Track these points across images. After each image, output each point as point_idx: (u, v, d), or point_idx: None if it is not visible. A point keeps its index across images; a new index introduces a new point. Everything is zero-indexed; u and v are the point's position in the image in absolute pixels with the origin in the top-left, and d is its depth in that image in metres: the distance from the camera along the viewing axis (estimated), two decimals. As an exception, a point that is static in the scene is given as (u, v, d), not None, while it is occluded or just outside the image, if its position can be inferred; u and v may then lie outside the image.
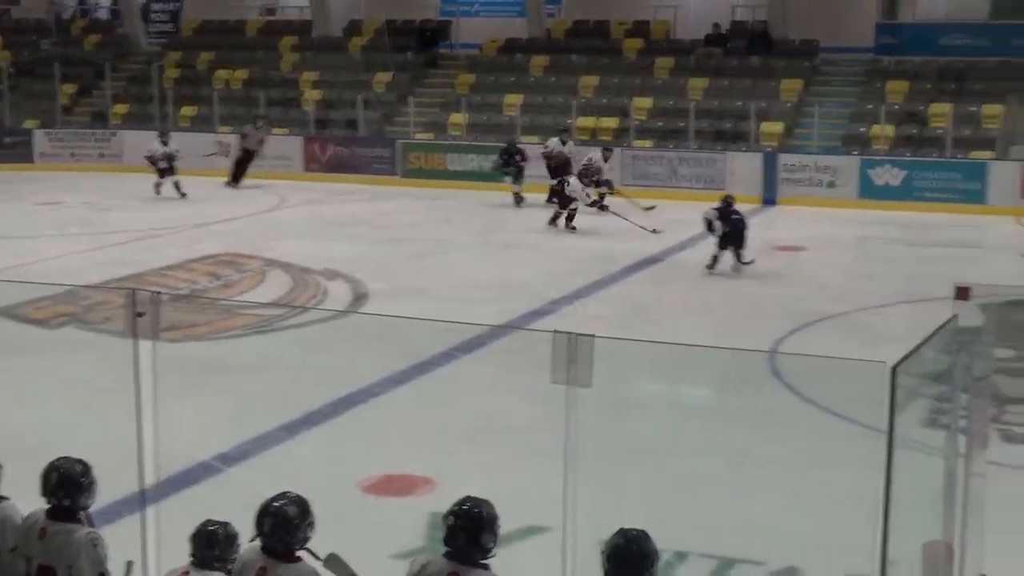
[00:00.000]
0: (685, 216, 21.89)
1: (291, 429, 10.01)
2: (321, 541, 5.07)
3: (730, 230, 17.03)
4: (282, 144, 27.52)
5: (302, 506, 5.02)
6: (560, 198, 20.88)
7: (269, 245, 18.83)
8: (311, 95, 30.07)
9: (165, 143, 24.64)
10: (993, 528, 5.76)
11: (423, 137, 27.56)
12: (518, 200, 23.94)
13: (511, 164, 24.21)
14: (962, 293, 5.86)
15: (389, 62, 30.99)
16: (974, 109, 25.14)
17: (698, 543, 7.56)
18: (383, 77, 30.41)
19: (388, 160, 27.21)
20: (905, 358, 4.40)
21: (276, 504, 4.99)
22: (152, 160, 24.50)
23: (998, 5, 29.11)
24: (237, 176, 26.24)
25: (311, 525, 5.02)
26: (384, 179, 26.66)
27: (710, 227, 17.22)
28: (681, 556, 7.37)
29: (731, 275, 17.04)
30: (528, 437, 9.45)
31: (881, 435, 4.46)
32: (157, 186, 24.24)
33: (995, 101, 25.00)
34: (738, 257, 17.06)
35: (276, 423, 10.04)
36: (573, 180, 20.93)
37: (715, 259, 17.09)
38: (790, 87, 27.24)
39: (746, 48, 28.87)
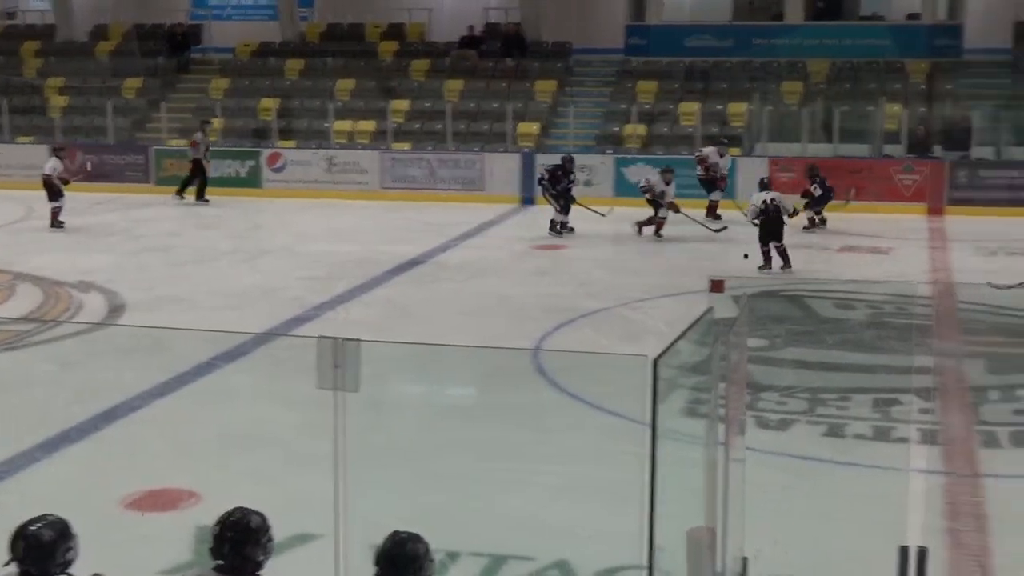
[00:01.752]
0: (446, 218, 22.05)
1: (48, 448, 9.63)
2: (84, 562, 4.88)
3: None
4: (27, 153, 26.44)
5: (60, 529, 4.81)
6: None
7: (18, 258, 18.10)
8: (56, 101, 29.05)
9: None
10: (752, 511, 5.97)
11: (177, 143, 26.92)
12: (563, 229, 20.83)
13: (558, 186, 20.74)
14: (717, 286, 6.05)
15: (139, 67, 30.18)
16: (720, 107, 26.05)
17: (469, 542, 7.59)
18: (133, 83, 29.59)
19: (142, 167, 26.49)
20: (665, 351, 4.51)
21: (31, 528, 4.78)
22: None
23: (740, 6, 30.25)
24: (201, 191, 24.88)
25: (71, 549, 4.82)
26: (138, 187, 25.94)
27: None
28: (453, 556, 7.39)
29: (494, 275, 17.21)
30: (295, 444, 9.34)
31: (644, 427, 4.56)
32: None
33: (740, 99, 25.95)
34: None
35: (31, 443, 9.65)
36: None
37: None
38: (544, 88, 27.68)
39: (501, 50, 29.21)
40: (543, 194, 21.06)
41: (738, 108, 25.70)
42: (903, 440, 10.21)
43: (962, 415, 10.75)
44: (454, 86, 27.93)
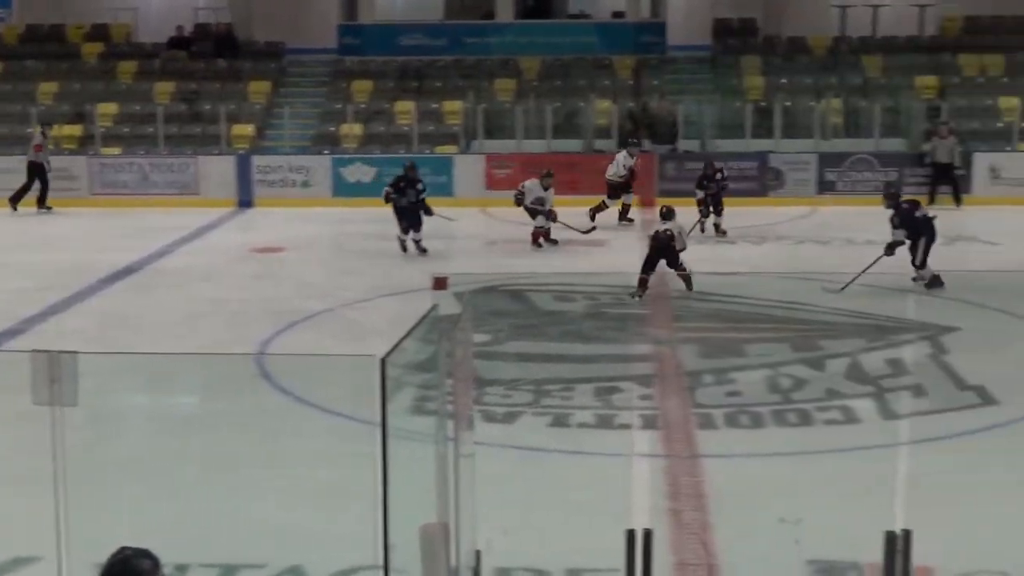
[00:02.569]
0: (161, 223, 21.49)
1: None
2: None
3: None
4: None
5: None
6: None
7: None
8: None
9: None
10: (483, 504, 6.04)
11: None
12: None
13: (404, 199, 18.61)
14: (440, 283, 6.09)
15: None
16: (436, 106, 26.25)
17: (200, 553, 7.43)
18: None
19: None
20: (392, 349, 4.52)
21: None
22: None
23: (452, 5, 30.57)
24: (43, 198, 23.23)
25: None
26: None
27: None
28: (182, 568, 7.22)
29: (213, 280, 16.88)
30: (10, 464, 8.93)
31: (373, 426, 4.56)
32: None
33: (455, 97, 26.22)
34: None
35: None
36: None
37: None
38: (258, 89, 27.30)
39: (212, 51, 28.64)
40: (393, 211, 18.69)
41: (453, 106, 25.95)
42: (625, 426, 10.53)
43: (679, 399, 11.15)
44: (164, 88, 27.23)
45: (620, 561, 5.74)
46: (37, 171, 23.44)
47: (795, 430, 10.42)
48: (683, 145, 24.86)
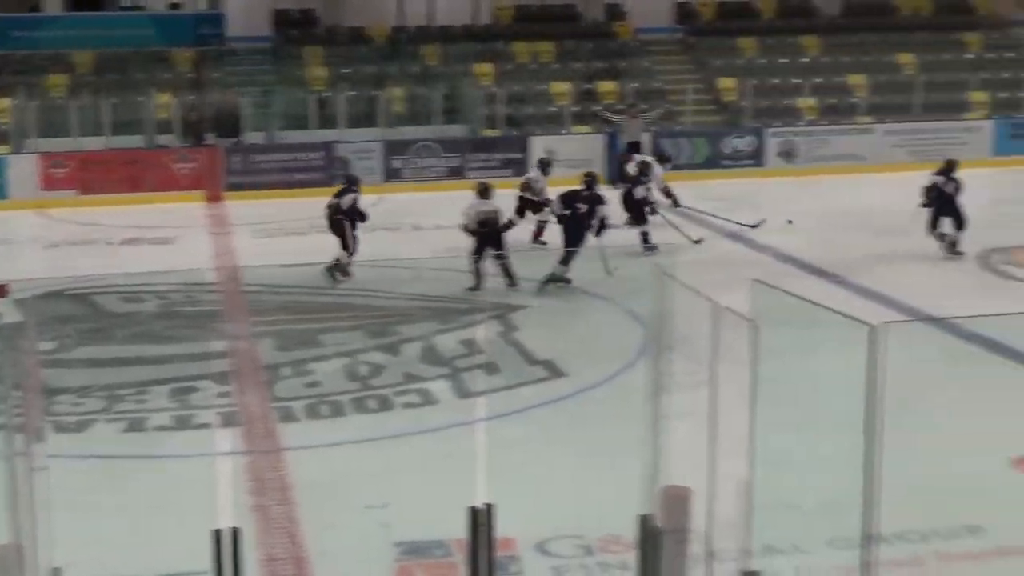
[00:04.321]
0: None
1: None
2: None
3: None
4: None
5: None
6: None
7: None
8: None
9: None
10: (61, 519, 5.77)
11: None
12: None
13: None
14: (0, 291, 5.76)
15: None
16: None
17: None
18: None
19: None
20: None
21: None
22: None
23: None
24: None
25: None
26: None
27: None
28: None
29: None
30: None
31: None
32: None
33: (3, 95, 24.81)
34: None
35: None
36: None
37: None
38: None
39: None
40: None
41: (2, 104, 24.58)
42: (205, 425, 10.33)
43: (258, 394, 11.06)
44: None
45: (208, 562, 5.63)
46: None
47: (376, 416, 10.57)
48: (249, 138, 24.60)
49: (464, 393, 11.17)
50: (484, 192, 15.02)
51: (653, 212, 17.46)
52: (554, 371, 11.60)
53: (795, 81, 27.19)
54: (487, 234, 14.74)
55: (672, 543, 5.80)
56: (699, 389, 5.71)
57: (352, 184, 16.30)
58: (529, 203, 17.40)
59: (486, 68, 26.73)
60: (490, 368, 11.92)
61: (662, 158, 20.25)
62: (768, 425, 5.35)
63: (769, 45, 28.68)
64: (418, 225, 19.63)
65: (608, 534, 7.65)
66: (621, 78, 26.84)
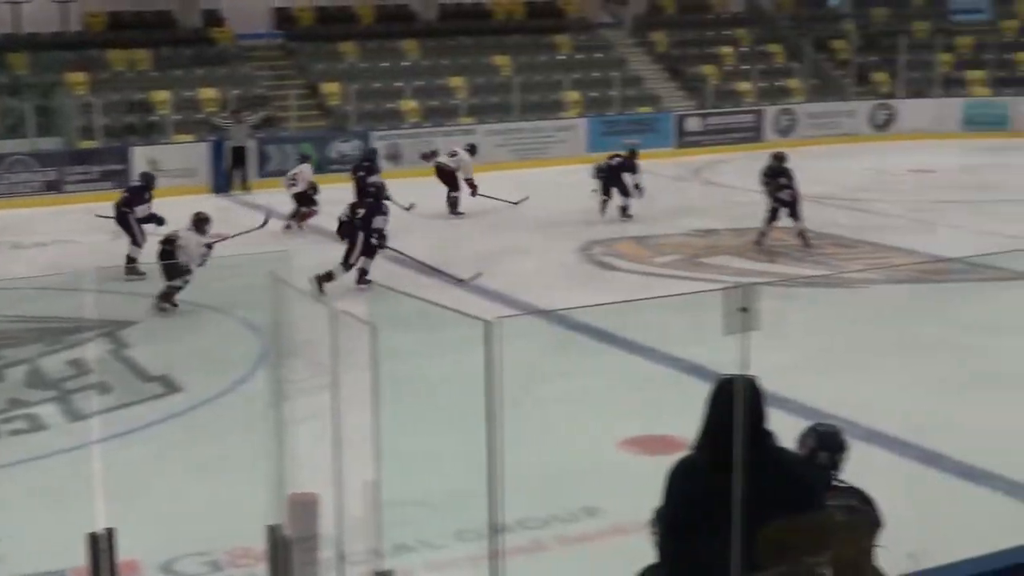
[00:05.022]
0: None
1: None
2: None
3: None
4: None
5: None
6: None
7: None
8: None
9: None
10: None
11: None
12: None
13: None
14: None
15: None
16: None
17: None
18: None
19: None
20: None
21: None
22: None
23: None
24: None
25: None
26: None
27: None
28: None
29: None
30: None
31: None
32: None
33: None
34: None
35: None
36: None
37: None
38: None
39: None
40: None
41: None
42: None
43: None
44: None
45: None
46: None
47: (-20, 447, 9.98)
48: None
49: (75, 416, 10.71)
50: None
51: (382, 246, 15.50)
52: (170, 386, 11.30)
53: (397, 85, 27.63)
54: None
55: (301, 551, 5.76)
56: (321, 394, 5.70)
57: None
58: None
59: (80, 77, 25.67)
60: (102, 388, 11.50)
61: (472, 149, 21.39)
62: (393, 425, 5.40)
63: (370, 49, 29.00)
64: (18, 243, 18.64)
65: (237, 547, 7.52)
66: (222, 85, 26.43)
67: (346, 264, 14.94)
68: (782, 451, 4.51)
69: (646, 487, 4.86)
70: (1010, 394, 10.14)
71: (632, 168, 19.62)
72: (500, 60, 29.28)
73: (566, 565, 7.63)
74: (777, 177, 17.26)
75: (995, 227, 17.83)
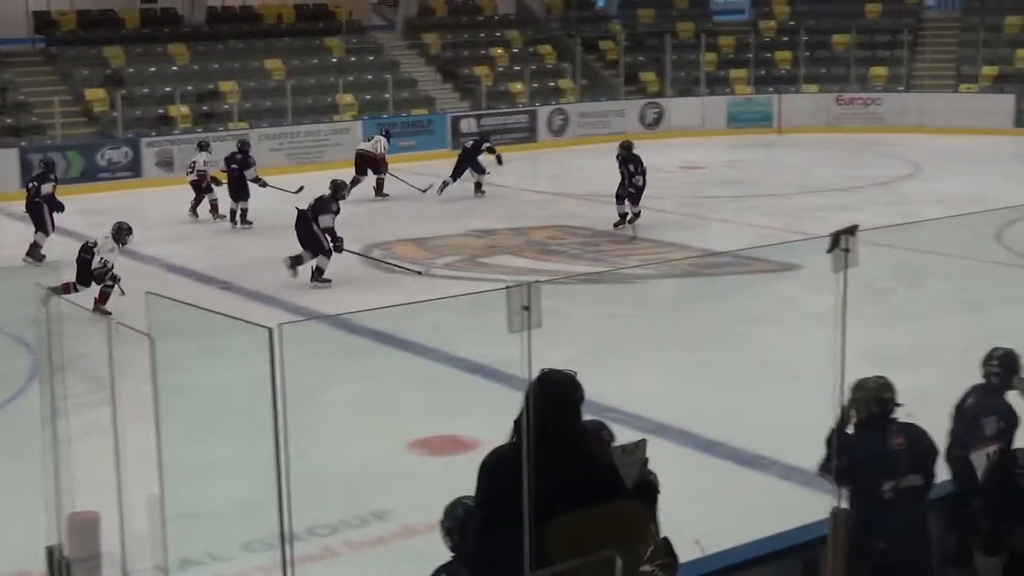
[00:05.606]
0: None
1: None
2: None
3: None
4: None
5: None
6: None
7: None
8: None
9: None
10: None
11: None
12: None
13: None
14: None
15: None
16: None
17: None
18: None
19: None
20: None
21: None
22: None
23: None
24: None
25: None
26: None
27: None
28: None
29: None
30: None
31: None
32: None
33: None
34: None
35: None
36: None
37: None
38: None
39: None
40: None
41: None
42: None
43: None
44: None
45: None
46: None
47: None
48: None
49: None
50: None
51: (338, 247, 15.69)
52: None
53: (167, 90, 27.00)
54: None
55: (83, 571, 5.58)
56: (100, 408, 5.53)
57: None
58: None
59: None
60: None
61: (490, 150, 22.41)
62: (176, 437, 5.27)
63: (137, 54, 28.26)
64: None
65: (17, 571, 7.24)
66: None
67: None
68: (594, 450, 4.55)
69: (435, 487, 4.87)
70: (780, 381, 10.52)
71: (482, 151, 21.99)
72: (271, 64, 28.92)
73: (357, 570, 7.60)
74: (627, 164, 18.71)
75: (761, 220, 18.51)
